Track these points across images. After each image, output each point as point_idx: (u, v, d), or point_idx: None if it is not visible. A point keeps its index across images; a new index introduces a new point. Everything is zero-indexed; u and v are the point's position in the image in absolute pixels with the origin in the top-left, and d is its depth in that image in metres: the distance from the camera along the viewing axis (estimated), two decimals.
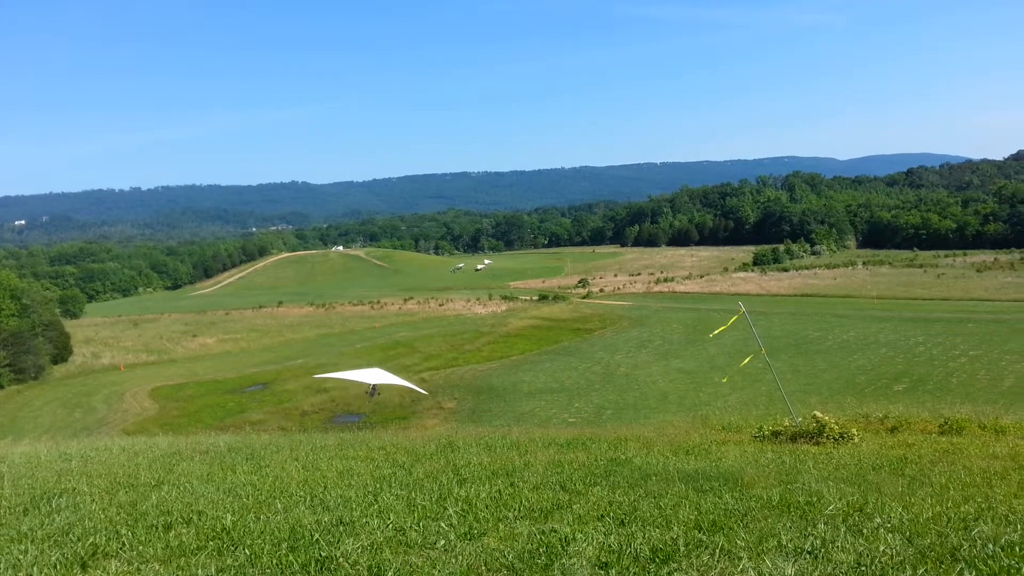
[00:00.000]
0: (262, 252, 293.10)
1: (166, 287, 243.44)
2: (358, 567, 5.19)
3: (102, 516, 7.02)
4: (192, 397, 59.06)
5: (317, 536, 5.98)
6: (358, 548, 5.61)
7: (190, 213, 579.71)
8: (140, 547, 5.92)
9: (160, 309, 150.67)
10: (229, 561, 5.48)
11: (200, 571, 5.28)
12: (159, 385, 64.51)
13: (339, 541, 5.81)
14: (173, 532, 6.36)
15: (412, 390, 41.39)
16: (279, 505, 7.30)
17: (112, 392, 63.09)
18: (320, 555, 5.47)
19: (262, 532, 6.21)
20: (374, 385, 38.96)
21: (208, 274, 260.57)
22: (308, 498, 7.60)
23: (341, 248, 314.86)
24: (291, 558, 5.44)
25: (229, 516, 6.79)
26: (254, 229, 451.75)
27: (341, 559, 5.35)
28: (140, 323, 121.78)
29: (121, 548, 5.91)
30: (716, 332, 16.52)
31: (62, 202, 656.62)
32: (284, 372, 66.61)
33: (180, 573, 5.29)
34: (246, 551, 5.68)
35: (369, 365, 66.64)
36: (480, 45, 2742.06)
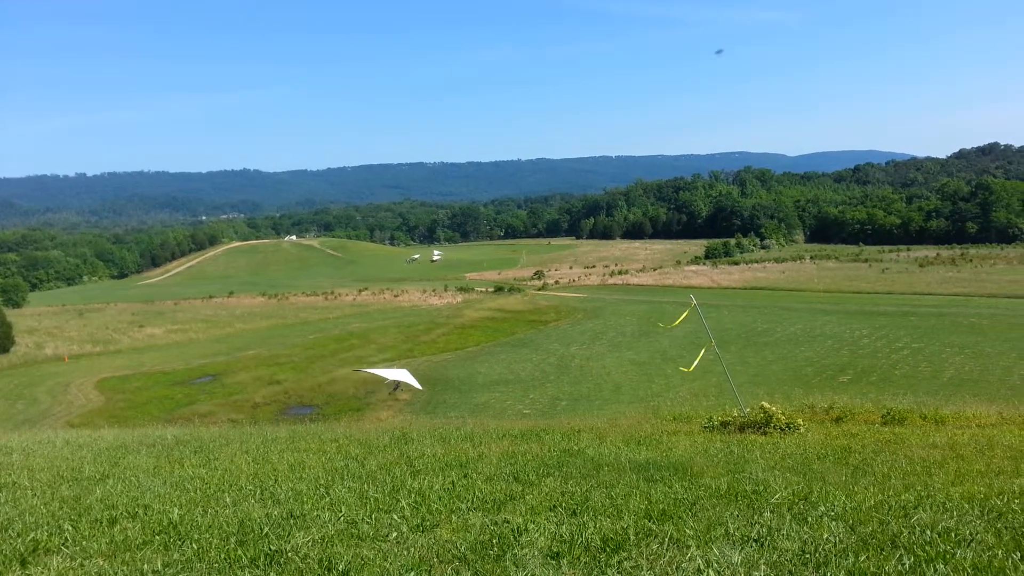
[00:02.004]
0: (212, 241, 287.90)
1: (112, 276, 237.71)
2: (308, 561, 5.15)
3: (44, 511, 6.84)
4: (139, 389, 57.75)
5: (267, 530, 5.91)
6: (308, 541, 5.57)
7: (137, 200, 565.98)
8: (83, 542, 5.79)
9: (106, 299, 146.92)
10: (176, 556, 5.39)
11: (146, 566, 5.18)
12: (105, 376, 62.92)
13: (289, 535, 5.76)
14: (118, 527, 6.23)
15: (411, 387, 46.21)
16: (228, 499, 7.19)
17: (56, 383, 61.35)
18: (269, 549, 5.41)
19: (210, 526, 6.12)
20: (398, 382, 45.68)
21: (156, 263, 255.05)
22: (258, 491, 7.51)
23: (294, 238, 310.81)
24: (240, 552, 5.37)
25: (176, 510, 6.68)
26: (204, 217, 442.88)
27: (291, 553, 5.30)
28: (85, 313, 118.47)
29: (63, 543, 5.77)
30: (673, 325, 16.74)
31: (3, 188, 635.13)
32: (235, 363, 65.51)
33: (125, 568, 5.18)
34: (193, 545, 5.59)
35: (322, 356, 66.24)
36: (439, 34, 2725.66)
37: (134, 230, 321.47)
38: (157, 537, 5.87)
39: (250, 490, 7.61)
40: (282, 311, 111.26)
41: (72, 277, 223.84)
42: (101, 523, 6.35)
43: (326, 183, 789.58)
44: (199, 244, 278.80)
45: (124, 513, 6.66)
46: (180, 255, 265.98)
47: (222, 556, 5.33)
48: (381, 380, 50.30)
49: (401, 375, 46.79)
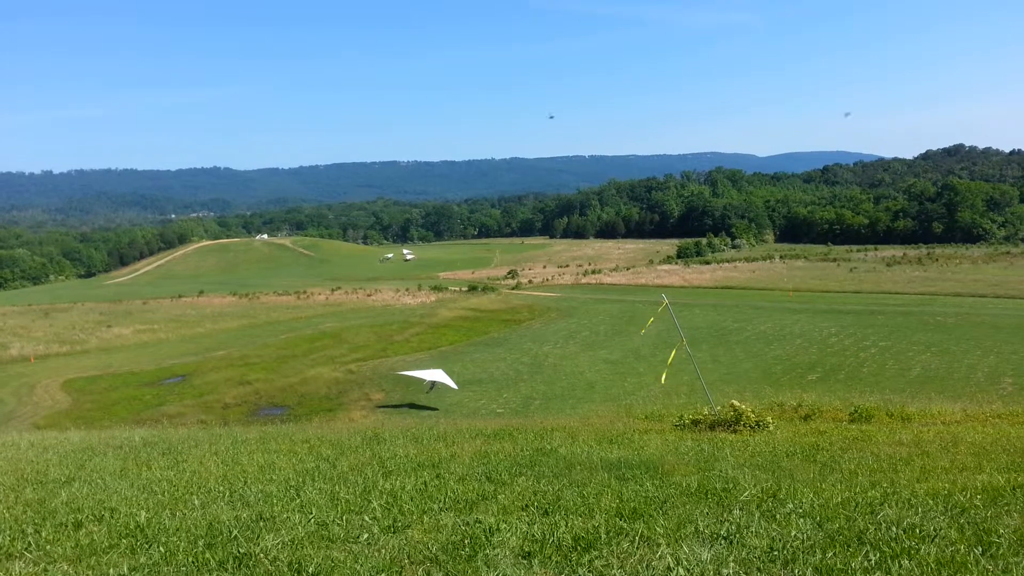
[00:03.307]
0: (182, 240, 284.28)
1: (79, 275, 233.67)
2: (278, 563, 5.11)
3: (7, 515, 6.73)
4: (107, 390, 56.80)
5: (236, 532, 5.86)
6: (278, 544, 5.52)
7: (105, 198, 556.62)
8: (48, 546, 5.69)
9: (73, 298, 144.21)
10: (143, 559, 5.32)
11: (112, 570, 5.11)
12: (72, 377, 61.81)
13: (259, 537, 5.71)
14: (83, 530, 6.14)
15: (448, 386, 46.72)
16: (196, 501, 7.12)
17: (22, 384, 60.15)
18: (238, 551, 5.36)
19: (178, 529, 6.05)
20: (434, 382, 46.79)
21: (124, 262, 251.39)
22: (227, 493, 7.44)
23: (266, 236, 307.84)
24: (208, 555, 5.31)
25: (143, 513, 6.60)
26: (173, 216, 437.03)
27: (260, 555, 5.26)
28: (51, 312, 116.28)
29: (27, 548, 5.67)
30: (644, 327, 16.85)
31: None
32: (205, 364, 64.69)
33: (90, 573, 5.11)
34: (161, 548, 5.53)
35: (294, 356, 65.67)
36: (411, 32, 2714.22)
37: (102, 228, 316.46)
38: (123, 540, 5.79)
39: (219, 492, 7.54)
40: (253, 311, 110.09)
41: (38, 276, 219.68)
42: (66, 527, 6.25)
43: (298, 181, 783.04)
44: (168, 243, 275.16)
45: (90, 516, 6.56)
46: (149, 254, 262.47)
47: (190, 559, 5.27)
48: (396, 381, 50.63)
49: (437, 375, 47.03)
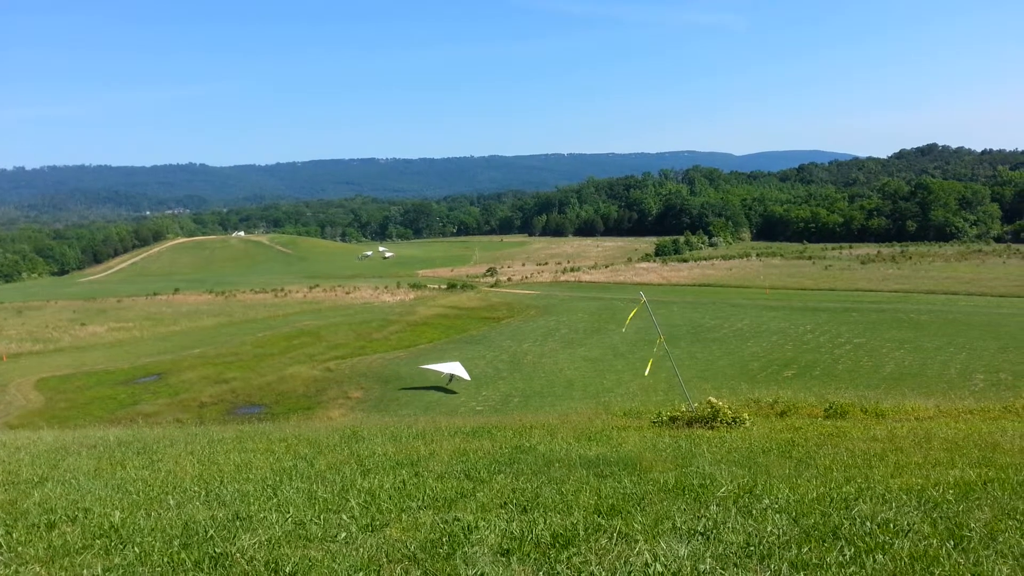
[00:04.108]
0: (157, 237, 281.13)
1: (52, 273, 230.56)
2: (254, 563, 5.07)
3: None
4: (81, 388, 56.03)
5: (212, 532, 5.81)
6: (255, 543, 5.48)
7: (79, 195, 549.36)
8: (19, 548, 5.60)
9: (46, 296, 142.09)
10: (117, 560, 5.26)
11: (85, 571, 5.05)
12: (45, 376, 60.86)
13: (235, 537, 5.66)
14: (56, 531, 6.06)
15: (462, 379, 48.90)
16: (172, 501, 7.04)
17: None
18: (214, 551, 5.31)
19: (153, 529, 5.99)
20: (452, 375, 48.92)
21: (98, 259, 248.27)
22: (203, 493, 7.38)
23: (242, 234, 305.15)
24: (183, 555, 5.26)
25: (118, 513, 6.51)
26: (148, 213, 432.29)
27: (237, 555, 5.22)
28: (24, 310, 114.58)
29: None
30: (624, 325, 16.93)
31: None
32: (181, 362, 64.02)
33: (63, 574, 5.04)
34: (135, 549, 5.46)
35: (272, 355, 65.22)
36: (390, 28, 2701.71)
37: (75, 225, 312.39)
38: (97, 541, 5.72)
39: (195, 492, 7.47)
40: (230, 308, 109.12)
41: (10, 274, 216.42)
42: (38, 528, 6.16)
43: (275, 178, 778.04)
44: (143, 240, 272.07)
45: (63, 517, 6.47)
46: (123, 251, 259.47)
47: (165, 559, 5.21)
48: (375, 379, 51.49)
49: (454, 368, 49.34)
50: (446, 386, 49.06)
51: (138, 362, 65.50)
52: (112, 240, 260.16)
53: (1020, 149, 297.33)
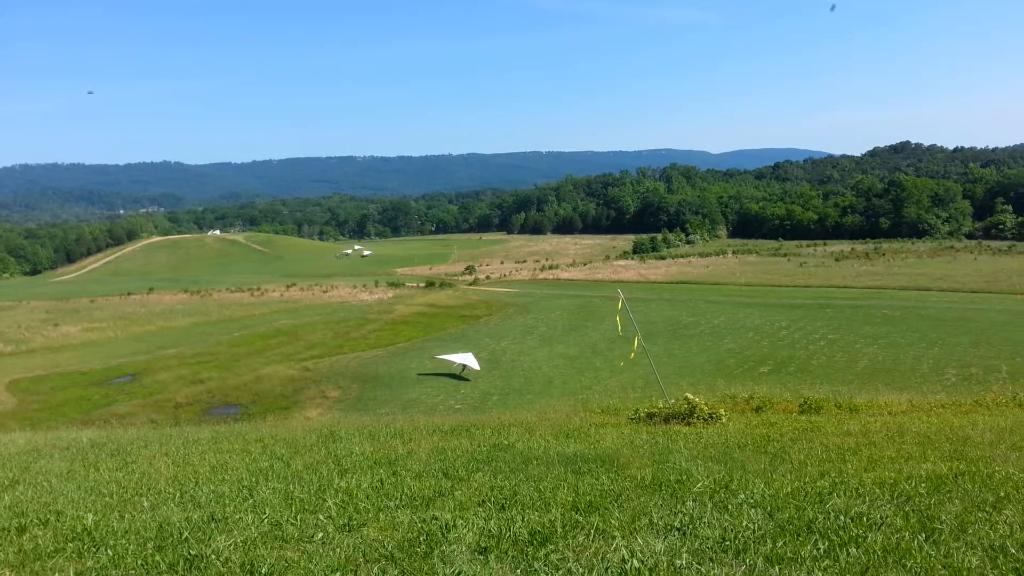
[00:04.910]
0: (131, 236, 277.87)
1: (24, 273, 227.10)
2: (230, 564, 5.03)
3: None
4: (54, 390, 55.25)
5: (186, 534, 5.75)
6: (230, 545, 5.43)
7: (51, 193, 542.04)
8: None
9: (18, 296, 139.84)
10: (90, 563, 5.19)
11: (57, 575, 4.98)
12: (17, 377, 59.94)
13: (210, 538, 5.61)
14: (27, 534, 5.97)
15: (473, 369, 50.95)
16: (146, 503, 6.96)
17: None
18: (189, 553, 5.26)
19: (127, 531, 5.91)
20: (464, 364, 50.80)
21: (71, 259, 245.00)
22: (178, 495, 7.30)
23: (218, 232, 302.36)
24: (158, 558, 5.20)
25: (90, 516, 6.43)
26: (122, 211, 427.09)
27: (212, 557, 5.17)
28: None
29: None
30: (620, 327, 16.83)
31: None
32: (155, 362, 63.31)
33: None
34: (109, 552, 5.39)
35: (249, 354, 64.70)
36: (366, 24, 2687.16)
37: (48, 224, 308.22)
38: (70, 544, 5.65)
39: (169, 493, 7.39)
40: (205, 308, 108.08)
41: None
42: (9, 531, 6.07)
43: (251, 176, 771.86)
44: (117, 239, 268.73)
45: (35, 520, 6.38)
46: (97, 250, 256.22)
47: (139, 562, 5.16)
48: (353, 378, 51.81)
49: (467, 359, 51.18)
50: (460, 374, 50.96)
51: (112, 363, 64.70)
52: (85, 239, 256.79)
53: (991, 147, 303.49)
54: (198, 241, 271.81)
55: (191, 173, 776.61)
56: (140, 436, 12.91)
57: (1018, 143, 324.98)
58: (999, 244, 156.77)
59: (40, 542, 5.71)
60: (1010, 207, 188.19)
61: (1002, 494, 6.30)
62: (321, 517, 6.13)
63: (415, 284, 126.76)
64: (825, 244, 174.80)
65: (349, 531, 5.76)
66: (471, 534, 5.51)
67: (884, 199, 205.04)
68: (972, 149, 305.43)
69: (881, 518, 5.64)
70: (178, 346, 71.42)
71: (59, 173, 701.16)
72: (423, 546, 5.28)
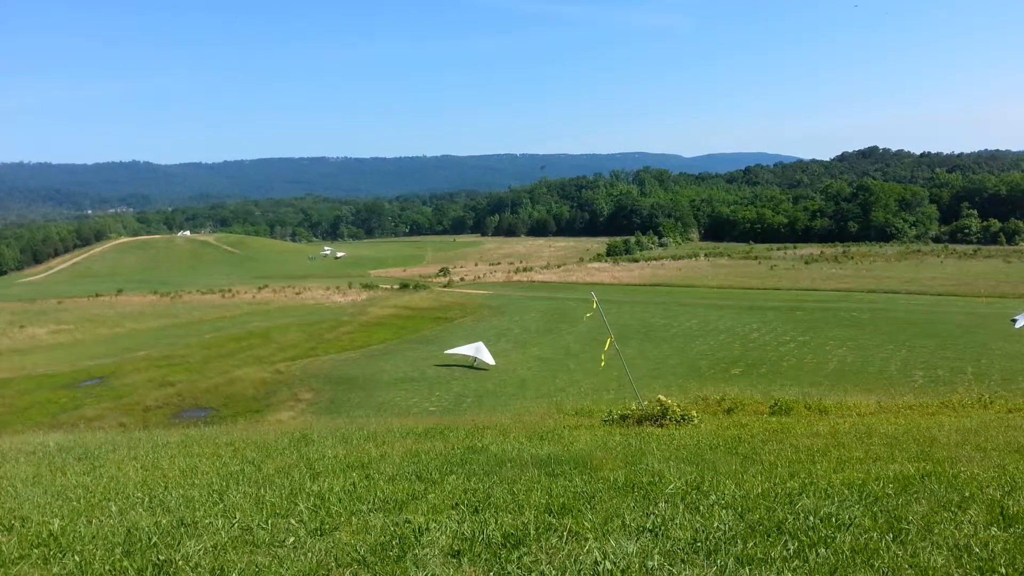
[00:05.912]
0: (99, 236, 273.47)
1: None
2: (200, 570, 4.97)
3: None
4: (20, 393, 54.18)
5: (155, 539, 5.67)
6: (200, 550, 5.37)
7: (18, 193, 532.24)
8: None
9: None
10: (56, 569, 5.10)
11: None
12: None
13: (179, 543, 5.54)
14: None
15: (485, 362, 52.83)
16: (114, 508, 6.86)
17: None
18: (158, 559, 5.19)
19: (94, 537, 5.82)
20: (476, 356, 52.49)
21: (38, 260, 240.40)
22: (147, 499, 7.20)
23: (188, 233, 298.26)
24: (126, 563, 5.13)
25: (57, 521, 6.32)
26: (90, 212, 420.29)
27: (181, 562, 5.11)
28: None
29: None
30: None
31: None
32: (124, 365, 62.35)
33: None
34: (75, 558, 5.31)
35: (220, 357, 63.96)
36: (338, 23, 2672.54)
37: (14, 224, 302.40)
38: (35, 550, 5.54)
39: (138, 498, 7.29)
40: (175, 310, 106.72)
41: None
42: None
43: (222, 176, 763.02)
44: (85, 240, 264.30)
45: None
46: (64, 251, 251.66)
47: (107, 568, 5.08)
48: (326, 380, 51.75)
49: (479, 350, 52.83)
50: (473, 365, 52.85)
51: (80, 365, 63.62)
52: (52, 240, 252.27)
53: (957, 152, 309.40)
54: (168, 242, 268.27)
55: (160, 173, 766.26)
56: (108, 440, 12.72)
57: (983, 148, 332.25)
58: (965, 248, 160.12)
59: (4, 548, 5.60)
60: (975, 212, 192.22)
61: (967, 494, 6.41)
62: (292, 521, 6.08)
63: (389, 286, 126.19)
64: (795, 247, 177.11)
65: (321, 535, 5.72)
66: (444, 537, 5.50)
67: (853, 203, 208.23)
68: (939, 154, 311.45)
69: (850, 519, 5.71)
70: (148, 348, 70.40)
71: (25, 172, 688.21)
72: (396, 550, 5.26)
